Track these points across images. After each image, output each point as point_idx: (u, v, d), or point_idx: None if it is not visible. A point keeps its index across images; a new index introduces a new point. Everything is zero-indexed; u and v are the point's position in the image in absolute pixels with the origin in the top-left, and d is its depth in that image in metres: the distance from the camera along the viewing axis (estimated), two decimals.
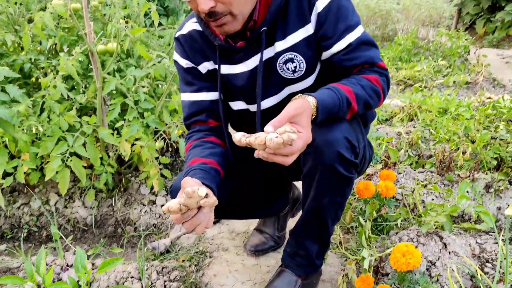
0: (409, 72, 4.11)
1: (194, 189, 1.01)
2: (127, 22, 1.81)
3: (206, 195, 1.03)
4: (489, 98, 3.34)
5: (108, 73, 1.99)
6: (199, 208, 1.07)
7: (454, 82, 3.92)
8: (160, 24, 3.78)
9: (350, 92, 1.22)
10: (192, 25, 1.42)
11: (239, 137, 1.04)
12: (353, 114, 1.26)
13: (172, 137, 2.09)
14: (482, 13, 7.12)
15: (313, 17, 1.26)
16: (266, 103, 1.38)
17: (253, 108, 1.44)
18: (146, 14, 2.55)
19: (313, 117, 1.15)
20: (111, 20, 2.09)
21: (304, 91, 1.35)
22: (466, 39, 4.71)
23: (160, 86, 2.28)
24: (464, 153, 2.26)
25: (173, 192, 1.43)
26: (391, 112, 3.09)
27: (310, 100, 1.13)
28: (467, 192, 2.11)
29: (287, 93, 1.37)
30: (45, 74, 2.08)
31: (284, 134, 0.99)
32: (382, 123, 3.00)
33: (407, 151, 2.52)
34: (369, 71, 1.29)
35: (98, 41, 1.98)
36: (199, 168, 1.28)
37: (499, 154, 2.31)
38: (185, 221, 1.07)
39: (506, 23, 6.70)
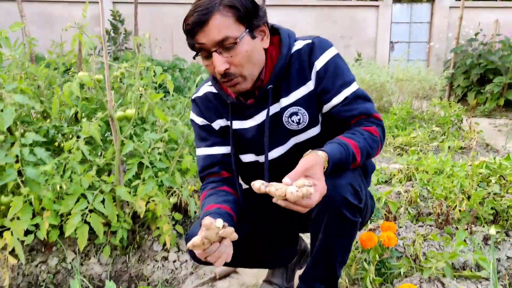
0: (405, 138, 4.31)
1: (212, 220, 1.14)
2: (145, 90, 2.01)
3: (224, 226, 1.15)
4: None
5: (125, 137, 2.16)
6: (220, 241, 1.19)
7: (449, 147, 4.09)
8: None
9: (355, 146, 1.36)
10: (207, 88, 1.62)
11: (259, 185, 1.14)
12: (356, 165, 1.41)
13: (184, 196, 2.23)
14: (472, 86, 7.48)
15: (313, 75, 1.45)
16: (274, 153, 1.54)
17: (261, 159, 1.59)
18: (159, 86, 2.78)
19: (324, 169, 1.27)
20: (128, 90, 2.31)
21: (308, 141, 1.52)
22: (458, 108, 4.97)
23: (172, 150, 2.45)
24: (460, 204, 2.37)
25: (188, 239, 1.54)
26: (390, 174, 3.23)
27: (321, 155, 1.26)
28: (465, 240, 2.21)
29: (293, 143, 1.52)
30: (67, 140, 2.25)
31: (303, 188, 1.10)
32: (381, 184, 3.14)
33: (407, 209, 2.64)
34: (367, 122, 1.45)
35: (116, 109, 2.18)
36: (215, 212, 1.41)
37: (494, 208, 2.43)
38: (208, 255, 1.19)
39: (495, 94, 7.03)
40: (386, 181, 3.22)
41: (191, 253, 1.60)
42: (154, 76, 2.27)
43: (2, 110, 1.85)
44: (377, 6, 13.29)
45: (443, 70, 7.50)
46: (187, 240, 1.55)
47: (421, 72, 6.13)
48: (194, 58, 1.41)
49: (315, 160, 1.23)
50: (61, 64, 2.60)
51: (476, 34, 7.79)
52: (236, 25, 1.32)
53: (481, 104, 7.26)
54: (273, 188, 1.12)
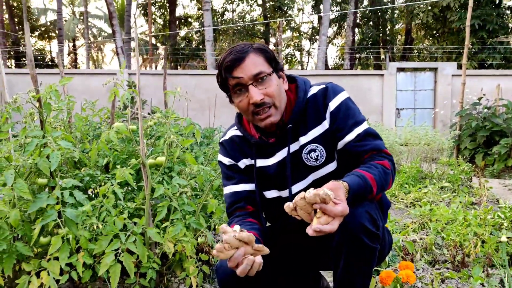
0: (417, 194, 4.43)
1: (228, 226, 1.28)
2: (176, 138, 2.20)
3: (241, 231, 1.27)
4: None
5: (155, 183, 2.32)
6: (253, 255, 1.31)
7: (460, 202, 4.18)
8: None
9: (372, 179, 1.51)
10: (233, 132, 1.82)
11: (287, 204, 1.32)
12: (372, 196, 1.54)
13: (209, 240, 2.35)
14: (479, 148, 7.65)
15: (328, 115, 1.64)
16: (295, 188, 1.69)
17: (284, 194, 1.74)
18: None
19: (345, 197, 1.41)
20: (159, 140, 2.50)
21: (326, 177, 1.67)
22: (466, 166, 5.10)
23: (197, 198, 2.59)
24: (475, 246, 2.45)
25: (218, 269, 1.65)
26: (404, 225, 3.32)
27: (343, 183, 1.42)
28: (482, 284, 2.27)
29: (312, 179, 1.68)
30: (100, 186, 2.41)
31: (320, 190, 1.26)
32: (396, 234, 3.22)
33: (422, 255, 2.71)
34: (379, 156, 1.61)
35: (148, 156, 2.36)
36: None
37: (508, 253, 2.50)
38: (236, 262, 1.30)
39: (503, 156, 7.16)
40: (400, 232, 3.29)
41: (223, 284, 1.70)
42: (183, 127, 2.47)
43: (48, 157, 2.04)
44: (382, 75, 13.83)
45: (449, 132, 7.69)
46: (217, 271, 1.66)
47: (428, 133, 6.33)
48: (229, 98, 1.61)
49: (338, 185, 1.38)
50: (93, 119, 2.82)
51: (480, 99, 8.08)
52: (266, 63, 1.58)
53: (489, 165, 7.38)
54: (296, 197, 1.29)
